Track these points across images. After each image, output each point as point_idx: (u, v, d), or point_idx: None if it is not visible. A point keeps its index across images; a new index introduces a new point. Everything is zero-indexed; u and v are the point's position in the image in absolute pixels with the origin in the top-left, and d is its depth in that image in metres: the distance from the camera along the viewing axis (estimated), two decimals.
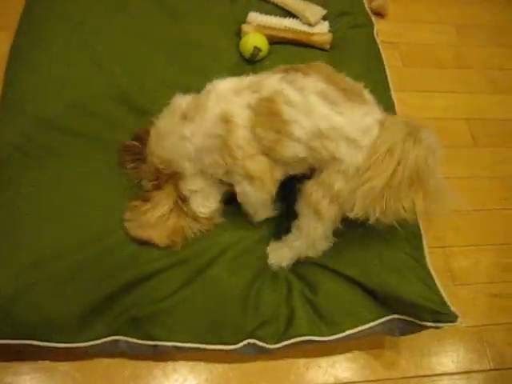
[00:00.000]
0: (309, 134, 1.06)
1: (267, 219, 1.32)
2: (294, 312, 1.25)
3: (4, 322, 1.14)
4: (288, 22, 1.75)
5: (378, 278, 1.26)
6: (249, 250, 1.29)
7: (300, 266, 1.31)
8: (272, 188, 1.15)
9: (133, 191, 1.30)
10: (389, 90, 1.73)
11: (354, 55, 1.77)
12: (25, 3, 1.69)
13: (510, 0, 2.40)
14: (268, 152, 1.10)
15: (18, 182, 1.29)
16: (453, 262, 1.61)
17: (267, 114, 1.07)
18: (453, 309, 1.22)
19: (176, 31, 1.67)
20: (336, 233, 1.20)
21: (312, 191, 1.11)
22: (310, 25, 1.74)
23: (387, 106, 1.66)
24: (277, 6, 1.80)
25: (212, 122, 1.10)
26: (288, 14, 1.78)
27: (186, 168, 1.18)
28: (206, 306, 1.20)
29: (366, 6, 1.96)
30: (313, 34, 1.74)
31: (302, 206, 1.16)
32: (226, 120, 1.09)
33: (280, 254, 1.28)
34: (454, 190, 1.70)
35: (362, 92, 1.13)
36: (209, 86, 1.16)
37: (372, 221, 1.04)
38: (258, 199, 1.18)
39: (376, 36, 1.87)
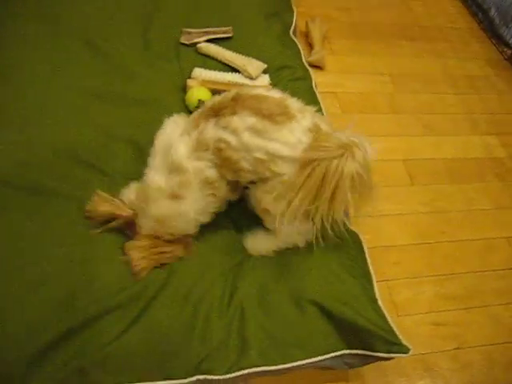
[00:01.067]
0: (253, 164, 1.24)
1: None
2: (246, 341, 1.27)
3: None
4: (230, 77, 1.85)
5: (336, 303, 1.31)
6: (194, 274, 1.35)
7: (257, 286, 1.35)
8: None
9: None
10: None
11: None
12: None
13: (436, 53, 2.59)
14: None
15: None
16: (395, 295, 1.69)
17: (224, 160, 1.26)
18: (404, 342, 1.29)
19: (127, 90, 1.76)
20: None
21: (262, 198, 1.30)
22: (251, 78, 1.85)
23: None
24: (220, 61, 1.91)
25: (198, 186, 1.29)
26: (231, 69, 1.90)
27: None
28: (152, 344, 1.23)
29: (303, 60, 2.10)
30: (255, 88, 1.84)
31: (257, 210, 1.36)
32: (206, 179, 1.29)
33: (258, 243, 1.43)
34: (394, 226, 1.82)
35: (287, 107, 1.26)
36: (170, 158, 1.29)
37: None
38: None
39: (315, 87, 2.00)
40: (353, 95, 2.24)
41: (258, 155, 1.23)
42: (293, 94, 1.83)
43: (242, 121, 1.23)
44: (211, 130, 1.26)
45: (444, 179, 2.02)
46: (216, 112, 1.27)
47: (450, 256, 1.80)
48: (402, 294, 1.69)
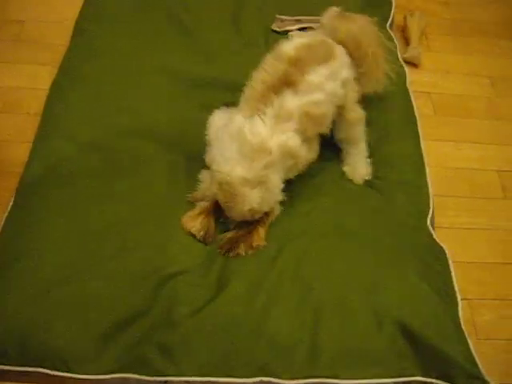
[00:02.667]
0: (338, 101, 1.44)
1: None
2: (317, 348, 1.21)
3: (13, 348, 1.16)
4: None
5: (417, 322, 1.23)
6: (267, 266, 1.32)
7: (335, 292, 1.29)
8: None
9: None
10: (418, 140, 1.74)
11: (387, 105, 1.80)
12: (69, 42, 1.80)
13: None
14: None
15: (48, 200, 1.34)
16: (477, 316, 1.57)
17: (311, 119, 1.34)
18: (486, 376, 1.20)
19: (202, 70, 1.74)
20: None
21: (350, 117, 1.53)
22: None
23: (415, 156, 1.67)
24: None
25: (280, 162, 1.33)
26: None
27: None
28: (221, 333, 1.20)
29: (399, 56, 2.00)
30: None
31: (347, 131, 1.56)
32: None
33: (355, 167, 1.59)
34: (482, 242, 1.70)
35: (324, 44, 1.43)
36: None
37: None
38: None
39: (408, 85, 1.89)
40: (448, 96, 2.11)
41: (341, 92, 1.39)
42: (385, 91, 1.77)
43: (318, 74, 1.32)
44: (292, 100, 1.29)
45: None
46: (283, 83, 1.30)
47: None
48: (485, 316, 1.57)
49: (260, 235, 1.37)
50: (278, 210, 1.43)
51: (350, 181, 1.60)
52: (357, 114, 1.56)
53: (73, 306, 1.20)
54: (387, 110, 1.79)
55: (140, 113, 1.63)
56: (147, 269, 1.27)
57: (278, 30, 1.88)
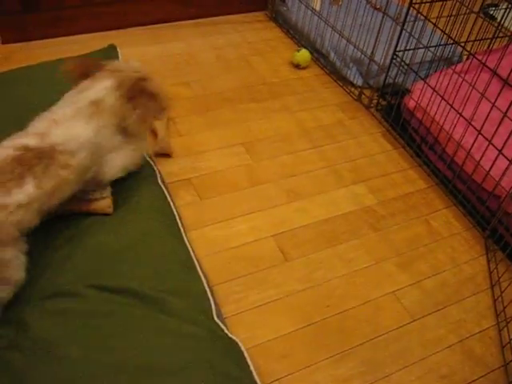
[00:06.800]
0: None
1: None
2: None
3: None
4: None
5: None
6: None
7: None
8: None
9: None
10: (182, 238, 1.70)
11: (140, 209, 1.74)
12: None
13: (287, 108, 2.54)
14: None
15: None
16: None
17: None
18: None
19: None
20: None
21: None
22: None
23: (181, 255, 1.62)
24: None
25: None
26: None
27: None
28: None
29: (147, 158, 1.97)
30: (92, 201, 1.68)
31: None
32: None
33: None
34: (275, 315, 1.68)
35: None
36: None
37: None
38: None
39: (161, 183, 1.86)
40: (209, 176, 2.12)
41: None
42: (139, 195, 1.71)
43: None
44: None
45: (319, 245, 1.92)
46: None
47: (341, 330, 1.69)
48: None
49: None
50: None
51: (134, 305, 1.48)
52: None
53: None
54: (143, 214, 1.72)
55: None
56: None
57: None
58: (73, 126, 1.48)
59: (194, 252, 1.70)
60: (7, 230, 1.30)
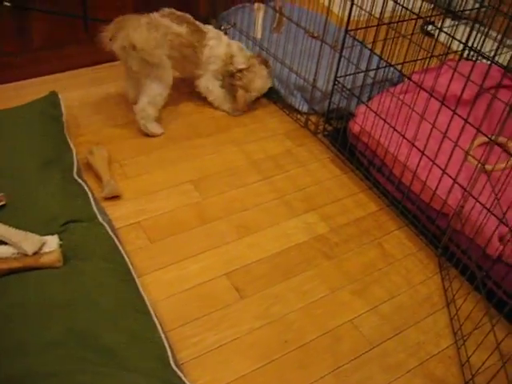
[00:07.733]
0: None
1: None
2: None
3: None
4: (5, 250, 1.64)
5: None
6: None
7: None
8: None
9: None
10: (137, 288, 1.68)
11: (91, 259, 1.71)
12: None
13: (234, 141, 2.54)
14: None
15: None
16: None
17: None
18: None
19: None
20: None
21: None
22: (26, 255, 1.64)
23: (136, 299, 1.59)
24: None
25: None
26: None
27: None
28: None
29: (92, 203, 1.93)
30: (41, 255, 1.64)
31: None
32: None
33: None
34: (233, 356, 1.65)
35: None
36: None
37: None
38: None
39: (111, 232, 1.83)
40: (159, 218, 2.09)
41: None
42: (89, 246, 1.67)
43: None
44: None
45: (273, 279, 1.91)
46: None
47: (301, 365, 1.67)
48: None
49: None
50: None
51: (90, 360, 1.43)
52: None
53: None
54: (94, 264, 1.69)
55: None
56: None
57: None
58: None
59: (147, 298, 1.67)
60: None
